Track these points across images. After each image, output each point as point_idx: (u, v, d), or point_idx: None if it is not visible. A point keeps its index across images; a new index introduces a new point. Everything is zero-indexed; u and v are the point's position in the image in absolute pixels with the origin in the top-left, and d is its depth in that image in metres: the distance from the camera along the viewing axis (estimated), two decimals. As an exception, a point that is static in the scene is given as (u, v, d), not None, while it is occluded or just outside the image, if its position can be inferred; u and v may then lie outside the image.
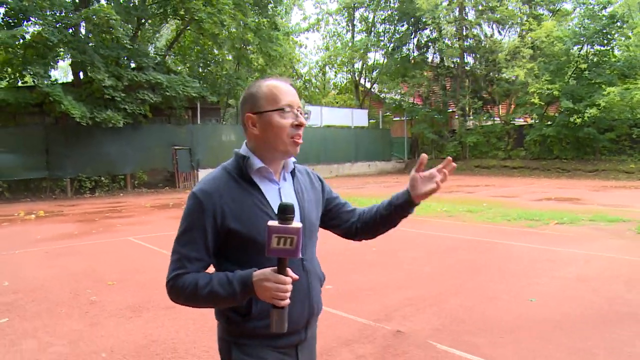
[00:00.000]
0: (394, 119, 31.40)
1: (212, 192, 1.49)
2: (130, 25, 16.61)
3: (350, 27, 30.89)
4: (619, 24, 21.99)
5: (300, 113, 1.55)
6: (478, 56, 28.31)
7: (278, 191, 1.57)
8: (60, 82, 20.29)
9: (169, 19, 19.17)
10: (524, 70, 22.43)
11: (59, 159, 16.35)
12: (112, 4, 16.46)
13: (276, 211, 1.34)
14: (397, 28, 29.97)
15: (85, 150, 16.79)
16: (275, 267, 1.36)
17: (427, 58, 30.06)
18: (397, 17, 29.62)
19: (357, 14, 30.79)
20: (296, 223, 1.32)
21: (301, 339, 1.58)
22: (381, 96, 31.20)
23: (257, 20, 19.55)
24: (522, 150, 25.93)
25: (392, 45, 30.27)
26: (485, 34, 29.26)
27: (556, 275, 5.66)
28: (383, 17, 30.04)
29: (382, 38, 30.32)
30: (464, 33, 27.55)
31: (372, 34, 30.22)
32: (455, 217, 10.32)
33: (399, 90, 29.76)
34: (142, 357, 3.54)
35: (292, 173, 1.66)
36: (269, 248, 1.30)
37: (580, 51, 22.93)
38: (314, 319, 1.62)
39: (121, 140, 17.43)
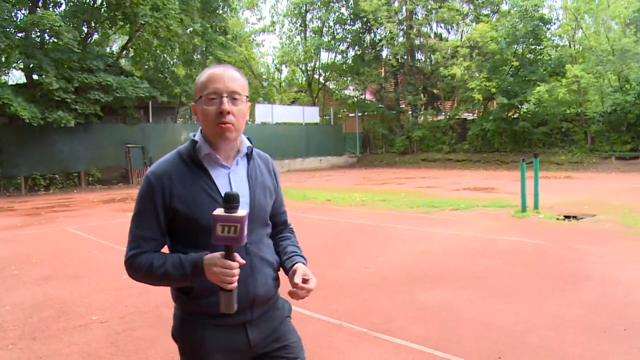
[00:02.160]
0: (350, 115, 32.65)
1: (161, 174, 1.59)
2: (77, 31, 17.30)
3: (303, 28, 31.91)
4: (548, 26, 23.61)
5: (229, 100, 1.58)
6: (427, 54, 29.82)
7: (227, 176, 1.63)
8: (16, 83, 21.02)
9: (118, 24, 19.89)
10: (461, 68, 23.87)
11: (12, 157, 17.09)
12: (58, 9, 17.19)
13: (223, 196, 1.43)
14: (349, 28, 31.16)
15: (39, 149, 17.56)
16: (224, 252, 1.44)
17: (381, 56, 31.36)
18: (350, 18, 30.87)
19: (309, 16, 31.82)
20: (241, 211, 1.40)
21: (247, 318, 1.63)
22: (333, 93, 32.32)
23: (204, 26, 20.39)
24: (466, 143, 27.40)
25: (345, 44, 31.53)
26: (435, 33, 30.79)
27: (405, 249, 6.91)
28: (334, 18, 31.21)
29: (335, 38, 31.47)
30: (414, 31, 28.92)
31: (325, 34, 31.35)
32: (367, 206, 11.53)
33: (351, 87, 31.01)
34: (37, 307, 4.62)
35: (249, 156, 1.71)
36: (214, 235, 1.38)
37: (515, 50, 24.43)
38: (260, 300, 1.65)
39: (74, 139, 18.25)
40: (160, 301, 4.71)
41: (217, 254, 1.45)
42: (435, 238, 7.65)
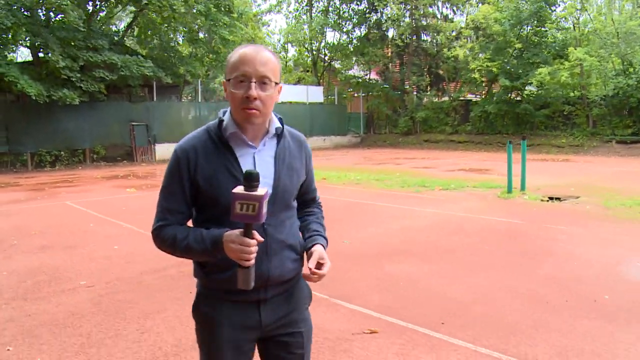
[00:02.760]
0: (354, 95, 32.76)
1: (188, 148, 1.61)
2: (82, 10, 17.54)
3: (309, 8, 31.89)
4: (552, 7, 23.49)
5: (258, 85, 1.55)
6: (433, 35, 29.77)
7: (253, 156, 1.63)
8: (23, 61, 21.36)
9: (124, 2, 20.08)
10: (464, 50, 23.87)
11: (18, 135, 17.52)
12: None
13: (243, 174, 1.43)
14: (355, 7, 31.11)
15: (45, 127, 17.96)
16: (243, 230, 1.46)
17: (387, 36, 31.31)
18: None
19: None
20: (260, 190, 1.40)
21: (260, 297, 1.65)
22: (338, 73, 32.39)
23: (207, 5, 20.50)
24: (469, 125, 27.48)
25: (350, 24, 31.51)
26: (442, 13, 30.71)
27: (386, 226, 7.23)
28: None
29: (341, 17, 31.44)
30: (419, 11, 28.86)
31: (331, 13, 31.33)
32: (361, 185, 11.84)
33: (356, 67, 31.07)
34: (31, 273, 5.01)
35: (280, 136, 1.70)
36: (233, 213, 1.40)
37: (519, 32, 24.33)
38: (275, 281, 1.66)
39: (79, 116, 18.63)
40: (144, 269, 5.08)
41: (237, 231, 1.47)
42: (417, 216, 7.96)
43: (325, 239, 1.80)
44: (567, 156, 20.30)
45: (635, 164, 16.40)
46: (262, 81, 1.55)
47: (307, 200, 1.88)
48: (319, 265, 1.66)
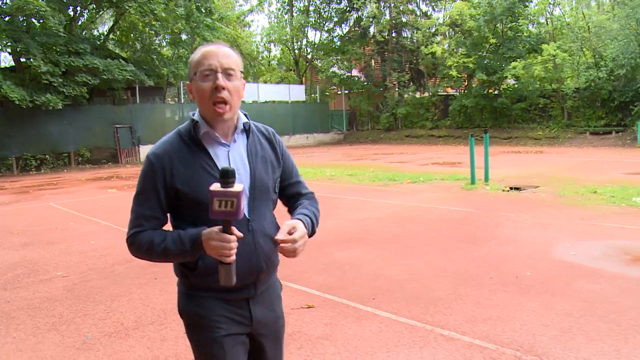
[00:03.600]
0: (337, 93, 33.26)
1: (162, 154, 1.61)
2: (62, 15, 17.89)
3: (289, 8, 32.32)
4: (526, 3, 24.10)
5: (224, 76, 1.58)
6: (413, 32, 30.34)
7: (227, 153, 1.64)
8: (4, 67, 21.63)
9: (104, 7, 20.42)
10: (441, 46, 24.44)
11: (3, 139, 17.87)
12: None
13: (219, 171, 1.43)
14: (334, 6, 31.58)
15: (29, 131, 18.32)
16: (221, 227, 1.46)
17: (368, 33, 31.79)
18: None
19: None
20: (237, 186, 1.40)
21: (250, 294, 1.67)
22: (319, 72, 32.87)
23: (188, 8, 20.87)
24: (448, 120, 28.07)
25: (331, 23, 32.00)
26: (422, 10, 31.25)
27: (346, 217, 7.75)
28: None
29: (321, 17, 31.90)
30: (398, 8, 29.39)
31: (311, 12, 31.78)
32: (333, 180, 12.34)
33: (335, 66, 31.56)
34: (12, 267, 5.46)
35: (248, 132, 1.71)
36: (212, 210, 1.39)
37: (494, 27, 24.89)
38: (264, 276, 1.69)
39: (63, 120, 19.01)
40: (116, 261, 5.55)
41: (215, 228, 1.47)
42: (379, 207, 8.48)
43: (309, 217, 1.73)
44: (542, 148, 20.93)
45: (603, 154, 17.06)
46: (228, 72, 1.58)
47: (293, 195, 1.86)
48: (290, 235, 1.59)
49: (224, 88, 1.56)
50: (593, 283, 4.42)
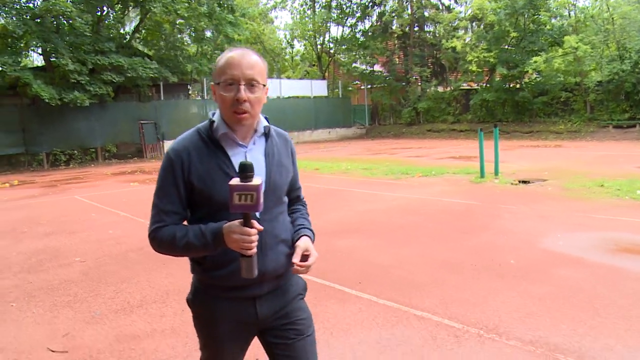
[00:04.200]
0: (360, 88, 33.47)
1: (180, 150, 1.65)
2: (89, 15, 18.56)
3: (312, 3, 32.63)
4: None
5: (246, 87, 1.61)
6: (435, 26, 30.36)
7: (244, 154, 1.68)
8: (36, 66, 22.51)
9: (130, 7, 21.07)
10: (461, 41, 24.43)
11: (34, 136, 18.68)
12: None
13: (238, 166, 1.48)
14: (357, 1, 31.73)
15: (59, 127, 19.10)
16: (242, 220, 1.50)
17: (390, 28, 31.87)
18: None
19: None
20: (256, 179, 1.45)
21: (256, 293, 1.70)
22: (341, 67, 33.11)
23: (210, 7, 21.36)
24: (469, 114, 28.04)
25: (354, 18, 32.17)
26: (444, 4, 31.20)
27: (352, 208, 8.06)
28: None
29: (343, 12, 32.09)
30: (421, 2, 29.45)
31: (334, 8, 32.01)
32: (348, 174, 12.64)
33: (358, 61, 31.75)
34: (36, 253, 5.96)
35: (267, 135, 1.76)
36: (232, 204, 1.44)
37: (516, 21, 24.73)
38: (270, 276, 1.70)
39: (91, 117, 19.75)
40: (130, 248, 6.00)
41: (236, 222, 1.51)
42: (385, 199, 8.76)
43: (312, 230, 1.85)
44: (562, 142, 20.80)
45: (623, 148, 16.93)
46: (250, 83, 1.62)
47: (292, 199, 1.94)
48: (304, 258, 1.70)
49: (245, 101, 1.60)
50: (572, 271, 4.65)
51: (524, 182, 10.16)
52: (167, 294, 4.38)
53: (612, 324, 3.47)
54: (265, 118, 1.76)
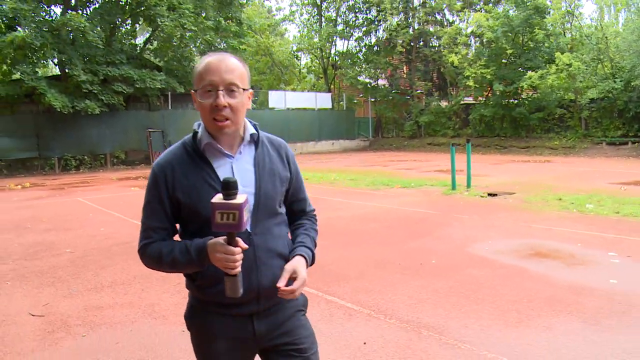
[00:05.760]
0: (365, 101, 34.42)
1: (165, 165, 1.63)
2: (101, 29, 19.78)
3: (319, 17, 33.74)
4: (543, 14, 24.61)
5: (226, 92, 1.55)
6: (435, 40, 31.30)
7: (230, 165, 1.63)
8: (51, 75, 23.79)
9: (140, 22, 22.29)
10: (459, 56, 25.29)
11: (47, 141, 19.92)
12: (88, 10, 19.72)
13: (221, 182, 1.42)
14: (362, 16, 32.79)
15: (71, 134, 20.31)
16: (226, 237, 1.46)
17: (394, 43, 32.82)
18: (363, 7, 32.50)
19: (324, 5, 33.61)
20: (239, 197, 1.40)
21: (253, 310, 1.65)
22: (346, 80, 34.10)
23: (217, 20, 22.50)
24: (469, 128, 28.78)
25: (361, 32, 33.22)
26: (447, 20, 32.10)
27: (320, 216, 8.88)
28: (349, 5, 32.89)
29: (349, 25, 33.15)
30: (425, 17, 30.41)
31: (339, 23, 33.09)
32: (334, 184, 13.51)
33: (363, 75, 32.74)
34: (34, 245, 6.92)
35: (257, 143, 1.69)
36: (213, 222, 1.39)
37: (514, 38, 25.47)
38: (268, 292, 1.63)
39: (101, 124, 20.95)
40: (115, 243, 6.95)
41: (220, 239, 1.47)
42: (354, 208, 9.61)
43: (310, 249, 1.77)
44: (553, 157, 21.46)
45: (609, 164, 17.50)
46: (230, 88, 1.56)
47: (296, 212, 1.86)
48: (293, 280, 1.62)
49: (225, 106, 1.56)
50: (480, 270, 5.46)
51: (492, 194, 10.90)
52: (135, 277, 5.28)
53: (483, 309, 4.28)
54: (254, 125, 1.72)
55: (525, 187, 11.67)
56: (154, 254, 1.61)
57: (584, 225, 7.62)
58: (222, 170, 1.61)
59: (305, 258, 1.70)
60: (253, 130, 1.69)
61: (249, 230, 1.58)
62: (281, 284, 1.59)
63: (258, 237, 1.62)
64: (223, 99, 1.55)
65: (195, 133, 1.65)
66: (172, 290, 4.82)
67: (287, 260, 1.68)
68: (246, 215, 1.42)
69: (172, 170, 1.62)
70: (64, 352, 3.60)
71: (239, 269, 1.46)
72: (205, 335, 1.69)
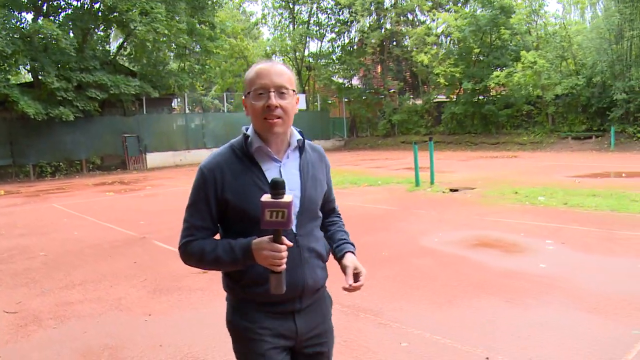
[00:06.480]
0: (338, 102, 34.92)
1: (214, 167, 1.69)
2: (74, 35, 19.95)
3: (291, 19, 34.15)
4: (509, 14, 25.35)
5: (277, 94, 1.64)
6: (405, 40, 31.94)
7: (279, 169, 1.70)
8: (23, 82, 23.84)
9: (113, 27, 22.48)
10: (428, 56, 25.94)
11: (22, 148, 20.04)
12: (57, 19, 19.88)
13: (269, 182, 1.49)
14: (333, 17, 33.28)
15: (45, 140, 20.44)
16: (272, 236, 1.53)
17: (368, 43, 33.35)
18: (336, 8, 32.98)
19: (296, 8, 34.06)
20: (287, 197, 1.47)
21: (295, 307, 1.73)
22: (319, 81, 34.56)
23: (190, 23, 22.77)
24: (441, 126, 29.44)
25: (332, 34, 33.73)
26: (419, 20, 32.74)
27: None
28: (320, 7, 33.39)
29: (321, 26, 33.64)
30: (395, 17, 30.99)
31: (312, 24, 33.53)
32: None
33: (336, 75, 33.23)
34: (9, 250, 7.24)
35: (301, 150, 1.78)
36: (263, 221, 1.46)
37: (482, 37, 26.17)
38: (309, 290, 1.74)
39: (76, 130, 21.10)
40: (87, 245, 7.29)
41: (265, 238, 1.53)
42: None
43: (353, 245, 1.94)
44: (521, 153, 22.19)
45: (572, 158, 18.23)
46: (280, 90, 1.65)
47: (327, 211, 1.99)
48: (356, 277, 1.78)
49: (276, 107, 1.64)
50: (424, 259, 5.94)
51: (454, 190, 11.42)
52: (105, 276, 5.66)
53: (420, 294, 4.76)
54: (300, 132, 1.81)
55: (487, 183, 12.19)
56: (196, 251, 1.68)
57: (532, 216, 8.15)
58: (271, 174, 1.69)
59: (354, 254, 1.89)
60: (299, 137, 1.78)
61: (294, 231, 1.69)
62: (350, 280, 1.77)
63: (302, 237, 1.72)
64: (274, 100, 1.64)
65: (246, 136, 1.73)
66: (139, 286, 5.22)
67: (324, 260, 1.84)
68: (293, 214, 1.54)
69: (221, 172, 1.68)
70: (35, 342, 3.98)
71: (284, 266, 1.55)
72: (248, 335, 1.73)
